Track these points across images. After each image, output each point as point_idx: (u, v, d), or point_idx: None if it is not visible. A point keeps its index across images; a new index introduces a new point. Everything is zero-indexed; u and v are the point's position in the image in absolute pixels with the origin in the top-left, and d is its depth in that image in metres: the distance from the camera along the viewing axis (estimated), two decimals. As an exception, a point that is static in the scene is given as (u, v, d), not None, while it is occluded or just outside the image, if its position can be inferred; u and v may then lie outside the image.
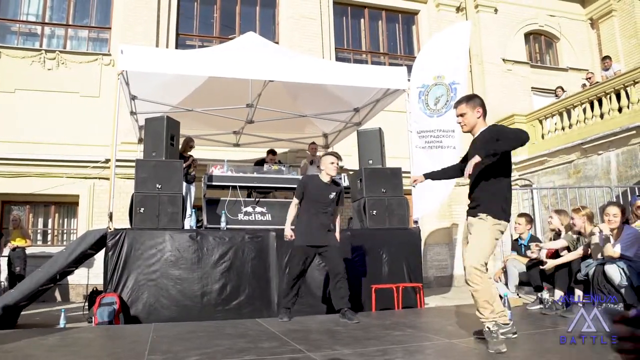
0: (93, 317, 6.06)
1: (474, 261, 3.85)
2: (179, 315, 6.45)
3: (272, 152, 10.53)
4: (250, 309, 6.66)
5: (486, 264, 3.91)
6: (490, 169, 3.98)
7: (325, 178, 5.88)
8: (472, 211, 4.12)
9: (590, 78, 13.58)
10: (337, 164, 5.88)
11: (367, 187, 8.03)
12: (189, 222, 7.97)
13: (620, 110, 10.87)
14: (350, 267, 7.30)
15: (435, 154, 8.41)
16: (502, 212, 4.00)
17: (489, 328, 3.78)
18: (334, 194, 5.85)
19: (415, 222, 8.12)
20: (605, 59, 13.55)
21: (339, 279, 5.74)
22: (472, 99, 4.20)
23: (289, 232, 5.85)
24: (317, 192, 5.82)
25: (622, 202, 7.74)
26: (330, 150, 11.78)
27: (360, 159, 8.66)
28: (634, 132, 10.35)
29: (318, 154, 10.80)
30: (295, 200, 5.93)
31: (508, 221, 4.07)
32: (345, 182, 9.03)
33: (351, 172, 9.35)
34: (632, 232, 5.60)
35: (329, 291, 6.15)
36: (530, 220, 7.35)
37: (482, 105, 4.15)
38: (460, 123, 4.21)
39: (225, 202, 8.22)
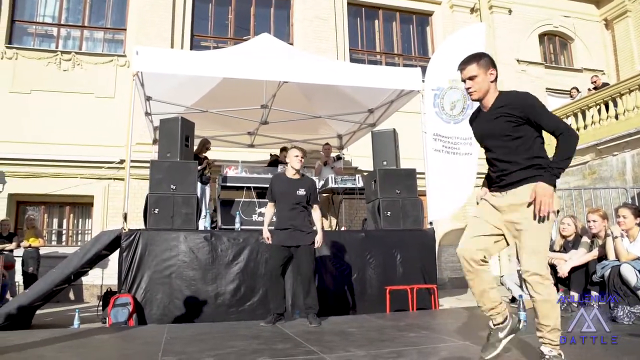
0: (107, 318, 6.09)
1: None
2: (192, 316, 6.49)
3: (285, 149, 10.44)
4: (264, 310, 6.62)
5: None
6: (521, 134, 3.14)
7: (290, 173, 5.86)
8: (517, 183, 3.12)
9: (595, 82, 13.41)
10: (302, 157, 5.80)
11: (382, 188, 8.00)
12: (204, 223, 8.00)
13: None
14: (364, 268, 7.32)
15: (450, 159, 8.34)
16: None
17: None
18: (302, 189, 5.75)
19: (430, 223, 8.08)
20: None
21: (305, 283, 5.74)
22: (482, 57, 3.25)
23: (265, 234, 5.86)
24: (282, 190, 5.78)
25: (637, 204, 7.65)
26: (344, 151, 11.78)
27: (375, 160, 8.63)
28: (649, 133, 10.24)
29: (332, 155, 10.77)
30: (269, 203, 5.94)
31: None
32: (359, 183, 9.01)
33: (365, 173, 9.32)
34: (649, 234, 5.54)
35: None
36: None
37: (495, 66, 3.27)
38: (469, 89, 3.25)
39: (240, 203, 8.24)
